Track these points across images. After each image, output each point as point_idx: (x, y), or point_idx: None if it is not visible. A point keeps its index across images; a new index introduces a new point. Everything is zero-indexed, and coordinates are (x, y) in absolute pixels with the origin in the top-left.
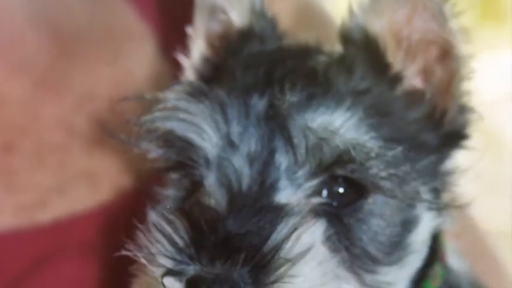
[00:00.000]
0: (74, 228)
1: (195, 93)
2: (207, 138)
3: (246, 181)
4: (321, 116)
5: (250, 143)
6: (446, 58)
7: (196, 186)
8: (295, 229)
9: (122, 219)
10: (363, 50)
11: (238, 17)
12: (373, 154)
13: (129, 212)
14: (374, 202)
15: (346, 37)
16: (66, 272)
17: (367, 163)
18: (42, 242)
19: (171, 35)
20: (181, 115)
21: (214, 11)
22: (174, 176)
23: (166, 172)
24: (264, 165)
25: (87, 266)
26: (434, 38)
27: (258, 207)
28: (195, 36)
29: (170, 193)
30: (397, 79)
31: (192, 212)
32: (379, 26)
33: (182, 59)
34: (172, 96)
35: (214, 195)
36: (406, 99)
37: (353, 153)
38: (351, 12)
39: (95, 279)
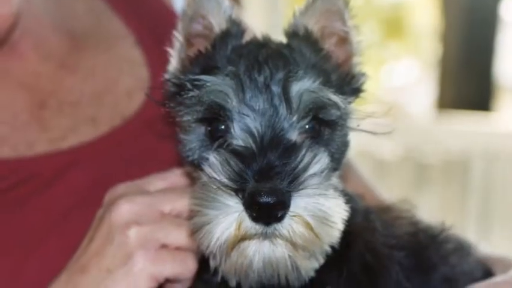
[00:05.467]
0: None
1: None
2: (230, 102)
3: (263, 129)
4: (304, 83)
5: (259, 103)
6: (345, 43)
7: (215, 134)
8: (314, 155)
9: None
10: (305, 40)
11: (217, 23)
12: (332, 103)
13: None
14: (335, 133)
15: (291, 32)
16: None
17: (332, 109)
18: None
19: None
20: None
21: (195, 17)
22: (193, 125)
23: (190, 123)
24: (272, 116)
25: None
26: (336, 31)
27: (276, 144)
28: (178, 38)
29: (191, 138)
30: (329, 56)
31: (233, 150)
32: (311, 24)
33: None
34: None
35: (243, 139)
36: (335, 67)
37: (326, 103)
38: (294, 15)
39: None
